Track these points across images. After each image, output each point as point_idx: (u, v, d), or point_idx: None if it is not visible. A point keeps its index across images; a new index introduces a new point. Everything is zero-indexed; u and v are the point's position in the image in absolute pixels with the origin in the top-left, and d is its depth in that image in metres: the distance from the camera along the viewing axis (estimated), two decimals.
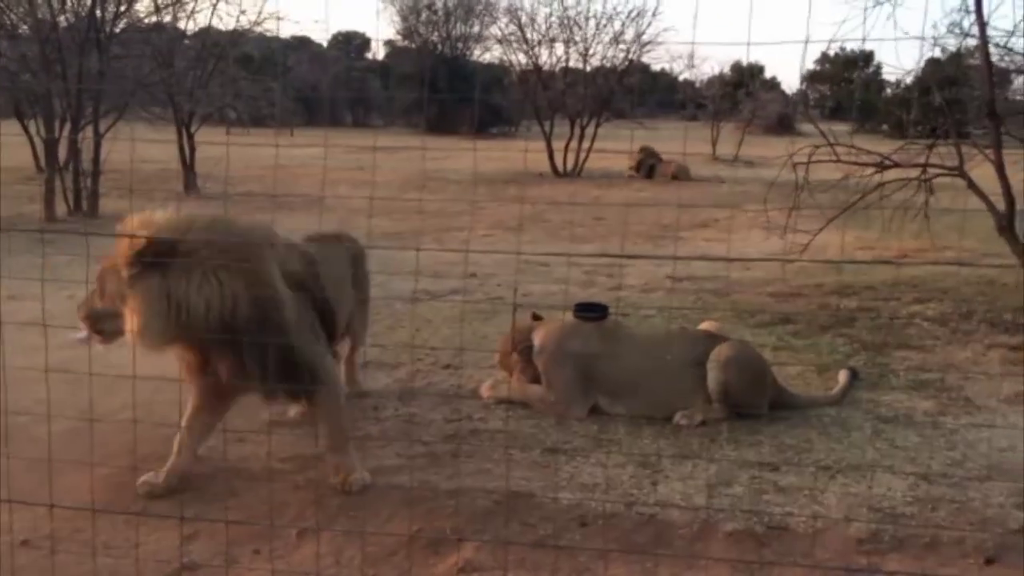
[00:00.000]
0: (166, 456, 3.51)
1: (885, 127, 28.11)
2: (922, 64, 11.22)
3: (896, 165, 7.07)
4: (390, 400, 4.57)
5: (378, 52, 43.62)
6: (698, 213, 12.11)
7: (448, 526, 3.27)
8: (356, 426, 4.14)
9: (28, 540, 3.00)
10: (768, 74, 35.29)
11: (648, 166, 17.75)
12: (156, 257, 3.09)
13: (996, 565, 3.07)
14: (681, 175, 17.23)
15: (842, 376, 4.80)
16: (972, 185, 6.55)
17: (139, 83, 12.75)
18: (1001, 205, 6.55)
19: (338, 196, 11.65)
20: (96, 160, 11.45)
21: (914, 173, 7.05)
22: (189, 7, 14.57)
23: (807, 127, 14.67)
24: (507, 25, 20.65)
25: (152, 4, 13.58)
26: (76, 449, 3.37)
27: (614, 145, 17.87)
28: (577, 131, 18.63)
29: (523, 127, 26.93)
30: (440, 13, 34.86)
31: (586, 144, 18.48)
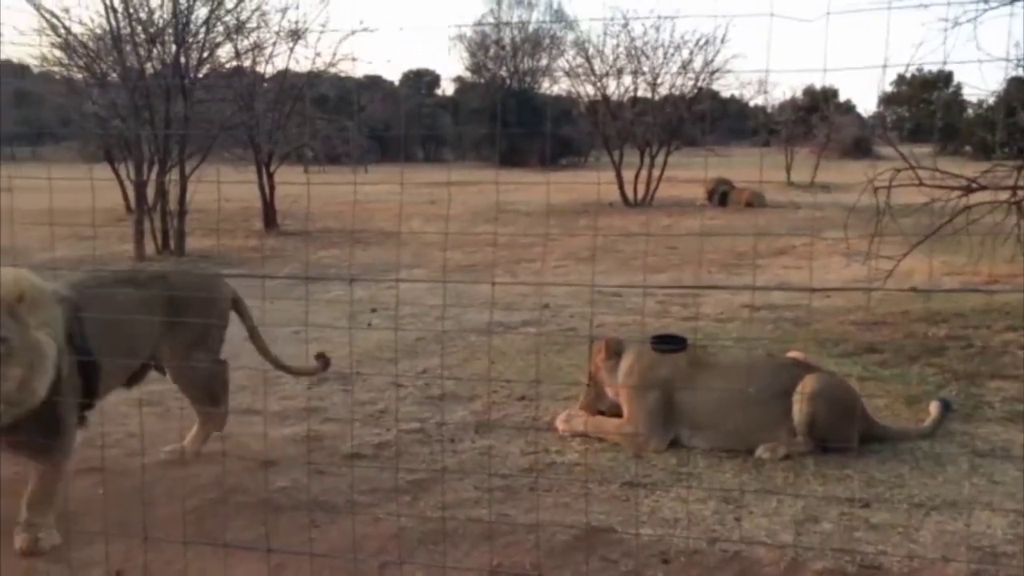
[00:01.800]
0: (252, 488, 3.58)
1: (968, 148, 27.23)
2: (1004, 84, 10.83)
3: (984, 188, 6.82)
4: (467, 432, 4.58)
5: (447, 88, 44.42)
6: (775, 240, 11.89)
7: (527, 561, 3.24)
8: (433, 459, 4.16)
9: (122, 570, 3.08)
10: (842, 97, 34.68)
11: (721, 193, 17.54)
12: None
13: None
14: (755, 202, 16.97)
15: (934, 408, 4.61)
16: None
17: (221, 126, 13.23)
18: None
19: (412, 231, 11.84)
20: (182, 201, 11.90)
21: (1003, 196, 6.79)
22: (267, 51, 15.09)
23: (885, 150, 14.29)
24: (574, 57, 20.81)
25: (232, 50, 14.12)
26: (167, 481, 3.47)
27: (685, 173, 17.75)
28: (647, 160, 18.57)
29: (592, 158, 26.97)
30: (508, 48, 35.39)
31: (656, 173, 18.40)
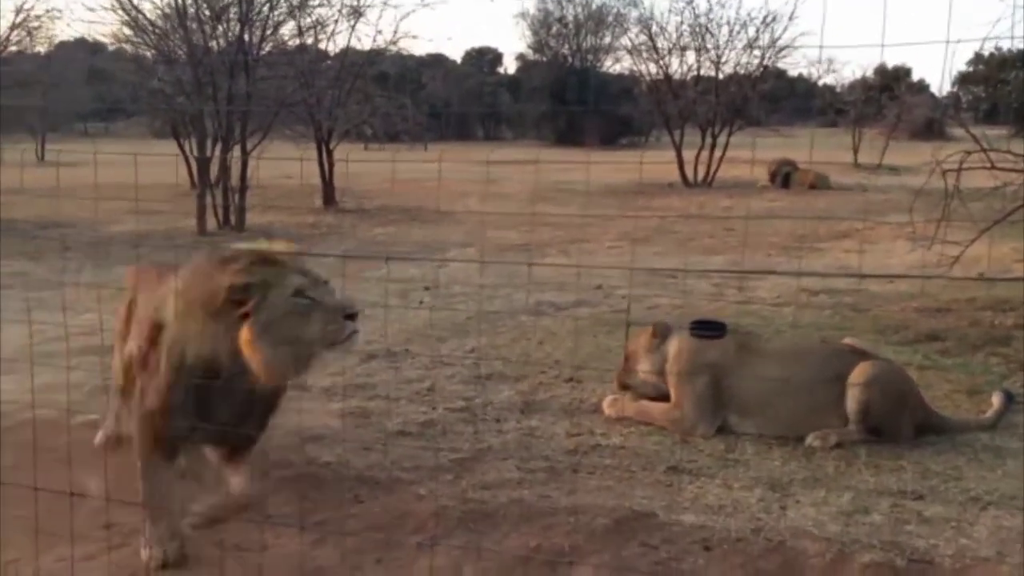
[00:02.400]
0: (296, 463, 3.63)
1: None
2: None
3: None
4: (512, 413, 4.57)
5: (510, 66, 44.25)
6: (838, 223, 11.58)
7: (566, 544, 3.22)
8: (477, 438, 4.17)
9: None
10: (915, 77, 33.53)
11: (784, 175, 17.15)
12: None
13: None
14: (819, 184, 16.55)
15: (996, 399, 4.44)
16: None
17: (283, 103, 13.42)
18: None
19: (469, 211, 11.85)
20: (243, 177, 12.12)
21: None
22: (330, 29, 15.23)
23: (958, 131, 13.76)
24: (637, 35, 20.51)
25: (296, 27, 14.28)
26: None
27: (747, 154, 17.41)
28: (708, 140, 18.25)
29: (653, 137, 26.63)
30: (571, 25, 35.05)
31: (718, 153, 18.08)
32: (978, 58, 39.29)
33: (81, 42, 22.84)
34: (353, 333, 2.85)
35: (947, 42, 2.48)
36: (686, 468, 3.91)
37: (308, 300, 2.83)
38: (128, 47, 14.50)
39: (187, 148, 13.32)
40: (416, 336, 5.98)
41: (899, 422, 4.12)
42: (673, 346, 4.50)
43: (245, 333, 2.78)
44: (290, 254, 2.99)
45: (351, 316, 2.86)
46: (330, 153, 14.85)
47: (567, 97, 29.40)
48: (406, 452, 3.90)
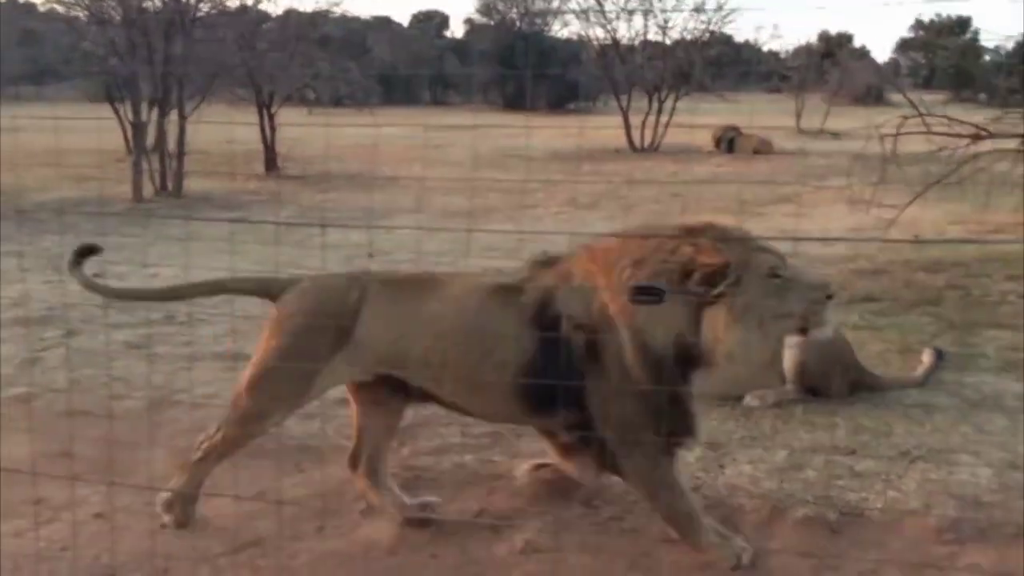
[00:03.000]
0: None
1: (982, 96, 26.75)
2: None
3: (992, 135, 6.69)
4: None
5: (457, 30, 43.73)
6: (780, 188, 11.74)
7: (509, 507, 3.25)
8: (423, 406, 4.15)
9: (101, 513, 3.11)
10: (857, 43, 33.99)
11: (728, 140, 17.31)
12: None
13: None
14: (763, 149, 16.75)
15: (927, 356, 4.58)
16: None
17: (222, 66, 13.05)
18: None
19: (414, 176, 11.74)
20: (181, 142, 11.80)
21: (1011, 144, 6.66)
22: None
23: (897, 97, 14.03)
24: None
25: None
26: (143, 427, 3.48)
27: (694, 119, 17.51)
28: (655, 105, 18.29)
29: (601, 102, 26.63)
30: None
31: (664, 119, 18.14)
32: (919, 24, 40.03)
33: (11, 2, 21.91)
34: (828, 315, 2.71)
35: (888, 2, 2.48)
36: None
37: (784, 279, 2.67)
38: (60, 8, 13.94)
39: (122, 112, 12.90)
40: None
41: (834, 381, 4.22)
42: None
43: (719, 316, 2.62)
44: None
45: (829, 296, 2.72)
46: (271, 118, 14.53)
47: (515, 62, 29.18)
48: (348, 420, 3.86)
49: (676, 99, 18.54)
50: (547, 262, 3.01)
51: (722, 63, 23.22)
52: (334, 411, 3.78)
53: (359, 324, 2.92)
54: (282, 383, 2.94)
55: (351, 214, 9.49)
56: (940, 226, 8.71)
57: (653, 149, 17.73)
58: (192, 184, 11.75)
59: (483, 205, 9.78)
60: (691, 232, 2.72)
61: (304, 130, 12.68)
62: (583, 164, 14.82)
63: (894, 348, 4.97)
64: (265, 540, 2.96)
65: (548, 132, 17.99)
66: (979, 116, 7.41)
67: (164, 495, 3.00)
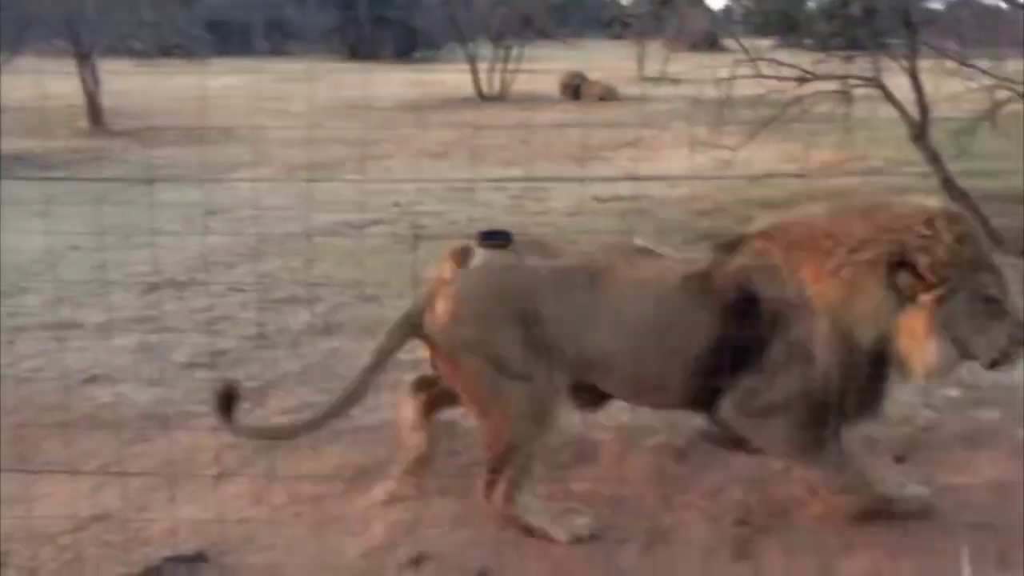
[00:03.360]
0: (72, 406, 3.36)
1: (808, 41, 28.28)
2: None
3: (816, 78, 7.06)
4: (310, 336, 4.47)
5: None
6: (624, 133, 12.04)
7: (371, 460, 3.22)
8: (275, 364, 4.04)
9: None
10: None
11: (574, 87, 17.53)
12: None
13: (906, 464, 3.17)
14: (608, 95, 17.08)
15: None
16: (888, 95, 6.60)
17: (35, 13, 11.96)
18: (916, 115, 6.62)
19: (255, 127, 11.24)
20: None
21: (833, 85, 7.06)
22: None
23: (733, 43, 14.57)
24: None
25: None
26: None
27: (540, 66, 17.62)
28: (501, 53, 18.25)
29: (447, 50, 26.31)
30: None
31: (511, 66, 18.14)
32: None
33: None
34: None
35: None
36: None
37: (998, 305, 2.48)
38: None
39: None
40: (202, 264, 5.66)
41: None
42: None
43: (920, 319, 2.43)
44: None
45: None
46: (94, 70, 13.47)
47: (358, 9, 28.25)
48: (196, 384, 3.71)
49: (521, 47, 18.55)
50: (731, 244, 2.84)
51: (566, 10, 23.38)
52: (182, 375, 3.62)
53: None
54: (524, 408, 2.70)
55: (185, 171, 8.99)
56: (772, 165, 9.18)
57: (501, 97, 17.73)
58: (9, 144, 10.78)
59: (329, 158, 9.50)
60: (912, 220, 2.51)
61: (131, 82, 11.87)
62: (432, 114, 14.65)
63: None
64: (112, 514, 2.81)
65: (393, 81, 17.64)
66: (806, 60, 7.79)
67: None
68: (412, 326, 2.86)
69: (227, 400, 2.72)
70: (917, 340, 2.44)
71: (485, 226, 3.13)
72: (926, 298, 2.45)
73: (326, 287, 5.14)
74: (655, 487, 3.02)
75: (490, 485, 2.74)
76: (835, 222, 2.66)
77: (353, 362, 4.07)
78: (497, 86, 17.98)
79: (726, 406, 2.72)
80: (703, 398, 2.76)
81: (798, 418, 2.67)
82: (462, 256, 4.56)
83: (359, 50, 26.00)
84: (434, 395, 3.05)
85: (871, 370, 2.61)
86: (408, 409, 3.07)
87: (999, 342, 2.49)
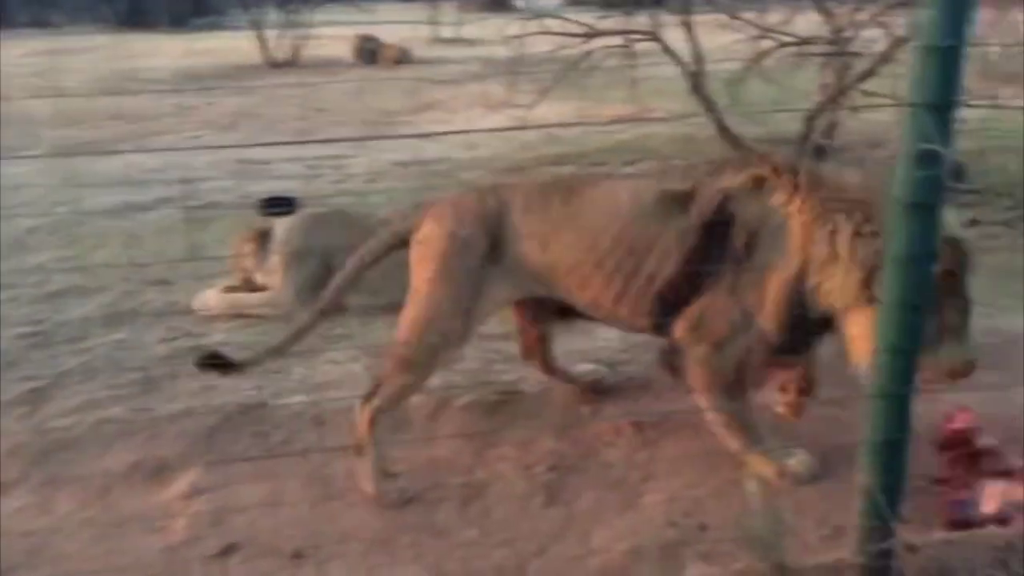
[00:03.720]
0: None
1: None
2: None
3: (600, 34, 7.29)
4: (94, 328, 4.13)
5: None
6: (421, 96, 11.96)
7: (171, 452, 3.04)
8: (55, 362, 3.71)
9: None
10: None
11: (368, 51, 17.16)
12: None
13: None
14: (403, 59, 16.86)
15: None
16: (666, 48, 6.92)
17: None
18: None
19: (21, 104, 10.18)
20: None
21: (618, 41, 7.31)
22: None
23: (522, 2, 14.78)
24: None
25: None
26: None
27: (331, 31, 17.11)
28: (288, 17, 17.51)
29: (231, 16, 24.95)
30: None
31: (300, 31, 17.46)
32: None
33: None
34: None
35: None
36: (293, 351, 3.86)
37: (957, 332, 2.48)
38: None
39: None
40: None
41: None
42: (278, 236, 4.36)
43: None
44: None
45: None
46: None
47: None
48: None
49: (310, 10, 17.89)
50: (723, 166, 2.81)
51: None
52: None
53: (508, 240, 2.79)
54: (445, 318, 2.77)
55: None
56: (566, 120, 9.43)
57: (292, 64, 17.07)
58: None
59: (104, 136, 8.79)
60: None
61: None
62: (216, 83, 13.88)
63: None
64: None
65: (171, 50, 16.55)
66: (590, 18, 8.01)
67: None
68: (401, 239, 2.99)
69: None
70: (864, 341, 2.40)
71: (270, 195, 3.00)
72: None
73: (111, 273, 4.77)
74: (468, 444, 3.05)
75: (367, 398, 2.84)
76: (847, 182, 2.65)
77: (144, 352, 3.84)
78: (286, 52, 17.28)
79: (679, 326, 2.74)
80: (670, 322, 2.77)
81: (733, 354, 2.70)
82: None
83: (130, 18, 24.14)
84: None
85: (811, 328, 2.65)
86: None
87: (950, 365, 2.51)
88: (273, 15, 17.85)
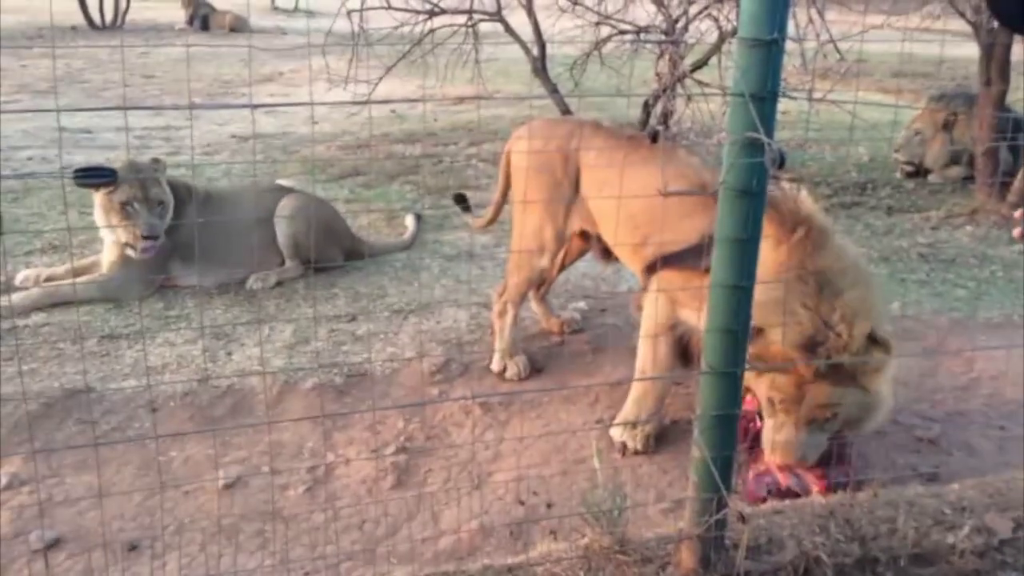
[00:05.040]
0: None
1: None
2: None
3: (443, 12, 7.25)
4: None
5: None
6: (261, 67, 11.51)
7: None
8: None
9: None
10: None
11: (202, 17, 16.31)
12: None
13: (543, 374, 3.47)
14: (239, 27, 16.14)
15: (409, 221, 4.97)
16: (509, 30, 6.98)
17: None
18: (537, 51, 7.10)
19: None
20: None
21: (461, 20, 7.30)
22: None
23: None
24: None
25: None
26: None
27: None
28: None
29: None
30: None
31: None
32: None
33: None
34: None
35: None
36: (123, 334, 3.66)
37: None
38: None
39: None
40: None
41: (328, 250, 4.37)
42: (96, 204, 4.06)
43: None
44: None
45: None
46: None
47: None
48: None
49: None
50: None
51: None
52: None
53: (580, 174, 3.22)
54: (547, 217, 3.25)
55: None
56: (412, 99, 9.36)
57: (117, 26, 15.95)
58: None
59: None
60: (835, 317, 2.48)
61: None
62: (33, 43, 12.78)
63: (382, 216, 5.29)
64: None
65: None
66: None
67: None
68: None
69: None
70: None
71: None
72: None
73: None
74: (315, 427, 3.00)
75: (499, 293, 3.46)
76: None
77: None
78: (111, 14, 16.13)
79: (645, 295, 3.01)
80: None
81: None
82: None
83: None
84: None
85: None
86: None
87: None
88: None
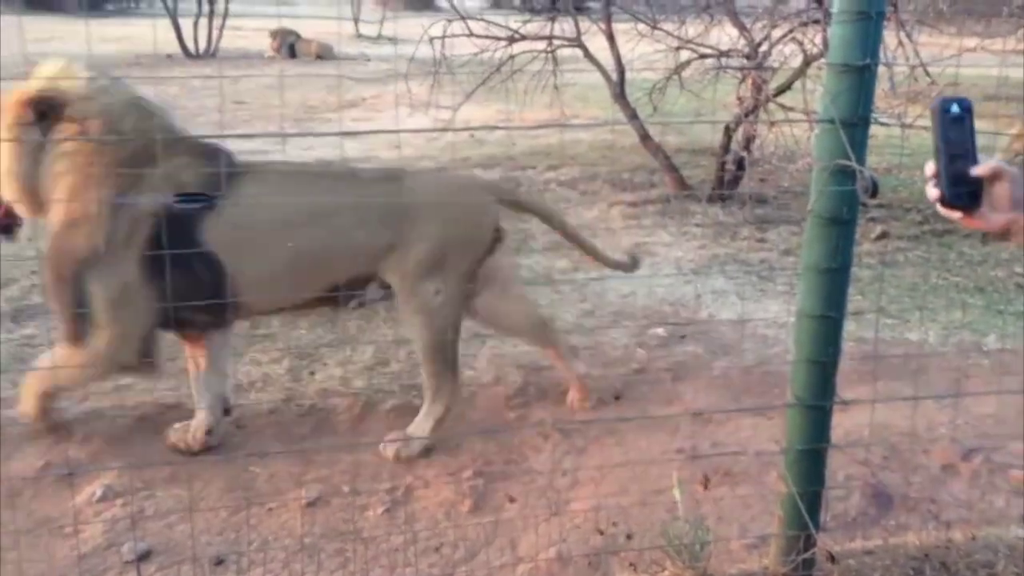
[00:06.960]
0: None
1: (516, 2, 29.27)
2: None
3: (523, 38, 7.33)
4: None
5: None
6: (345, 93, 11.82)
7: (83, 454, 2.94)
8: None
9: None
10: None
11: (289, 45, 16.87)
12: None
13: (622, 400, 3.45)
14: (324, 54, 16.63)
15: None
16: (588, 55, 7.01)
17: None
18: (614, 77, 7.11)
19: None
20: None
21: (540, 45, 7.37)
22: None
23: (445, 3, 14.67)
24: None
25: None
26: None
27: (250, 23, 16.73)
28: (206, 7, 17.07)
29: (146, 2, 24.16)
30: None
31: (218, 21, 17.04)
32: None
33: None
34: None
35: None
36: None
37: None
38: None
39: None
40: None
41: None
42: None
43: None
44: None
45: None
46: None
47: None
48: None
49: (227, 0, 17.47)
50: None
51: None
52: None
53: None
54: None
55: None
56: (491, 123, 9.45)
57: (210, 55, 16.63)
58: None
59: None
60: None
61: None
62: (133, 71, 13.41)
63: None
64: None
65: (82, 35, 15.89)
66: (513, 21, 8.05)
67: None
68: None
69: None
70: None
71: None
72: None
73: (17, 267, 4.56)
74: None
75: None
76: None
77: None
78: (205, 43, 16.83)
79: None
80: None
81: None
82: None
83: (39, 1, 23.13)
84: None
85: None
86: None
87: None
88: (190, 3, 17.37)
